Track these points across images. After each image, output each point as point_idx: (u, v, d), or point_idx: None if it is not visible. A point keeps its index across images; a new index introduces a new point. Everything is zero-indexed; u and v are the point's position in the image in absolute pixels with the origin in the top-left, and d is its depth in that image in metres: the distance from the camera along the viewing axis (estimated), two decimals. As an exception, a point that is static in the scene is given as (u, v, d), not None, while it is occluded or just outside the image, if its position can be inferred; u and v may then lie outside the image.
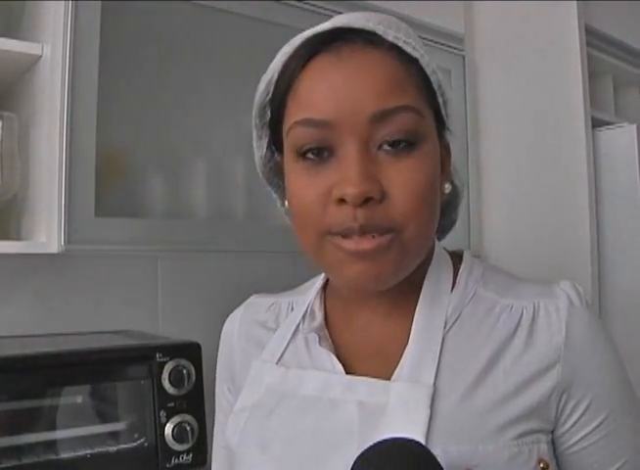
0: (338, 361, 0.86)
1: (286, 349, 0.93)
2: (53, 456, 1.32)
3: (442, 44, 2.07)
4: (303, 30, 0.85)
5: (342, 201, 0.77)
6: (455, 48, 2.14)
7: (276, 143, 0.90)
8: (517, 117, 2.17)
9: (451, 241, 1.02)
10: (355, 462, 0.70)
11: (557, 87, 2.05)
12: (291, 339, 0.94)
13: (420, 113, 0.80)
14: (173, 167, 1.59)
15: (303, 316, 0.95)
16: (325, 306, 0.96)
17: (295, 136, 0.81)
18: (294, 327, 0.95)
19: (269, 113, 0.88)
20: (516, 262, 1.03)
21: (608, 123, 2.10)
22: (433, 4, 2.01)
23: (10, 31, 1.55)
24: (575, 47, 1.99)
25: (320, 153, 0.80)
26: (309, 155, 0.80)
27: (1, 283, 1.63)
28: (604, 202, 2.01)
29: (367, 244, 0.77)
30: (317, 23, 0.84)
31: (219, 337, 1.06)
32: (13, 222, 1.53)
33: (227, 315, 1.07)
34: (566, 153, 2.02)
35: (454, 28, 2.13)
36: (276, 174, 0.95)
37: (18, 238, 1.51)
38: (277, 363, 0.92)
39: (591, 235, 1.96)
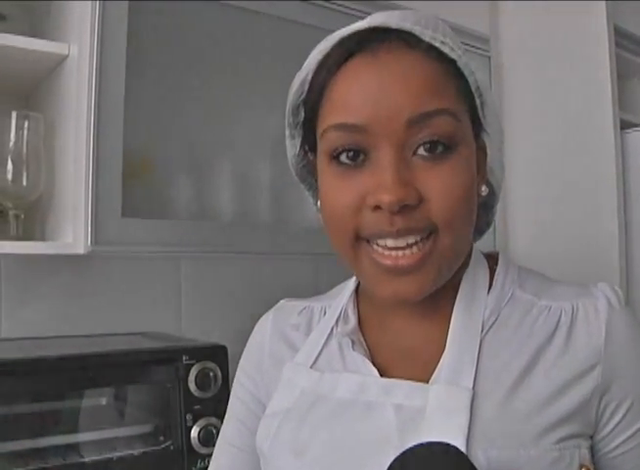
0: (372, 366, 0.85)
1: (320, 353, 0.91)
2: (78, 459, 1.32)
3: (467, 45, 2.04)
4: (331, 31, 0.83)
5: (377, 208, 0.76)
6: (480, 49, 2.12)
7: (309, 142, 0.88)
8: (543, 119, 2.15)
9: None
10: (391, 465, 0.68)
11: (585, 88, 2.02)
12: (325, 343, 0.92)
13: (457, 116, 0.78)
14: (199, 169, 1.58)
15: (337, 320, 0.93)
16: (358, 310, 0.94)
17: (329, 140, 0.80)
18: (327, 331, 0.93)
19: (303, 112, 0.87)
20: (541, 264, 1.01)
21: (636, 125, 2.07)
22: (457, 4, 1.99)
23: (35, 31, 1.55)
24: (604, 48, 1.97)
25: (355, 157, 0.78)
26: (343, 159, 0.79)
27: (24, 284, 1.63)
28: (632, 204, 1.99)
29: (406, 260, 0.76)
30: (345, 25, 0.82)
31: (242, 339, 1.05)
32: (37, 223, 1.53)
33: (250, 318, 1.06)
34: (593, 155, 1.99)
35: (479, 29, 2.11)
36: (309, 173, 0.93)
37: (42, 239, 1.50)
38: (311, 368, 0.90)
39: (619, 237, 1.94)
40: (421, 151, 0.76)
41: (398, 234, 0.75)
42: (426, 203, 0.75)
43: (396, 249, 0.76)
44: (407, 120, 0.75)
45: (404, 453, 0.69)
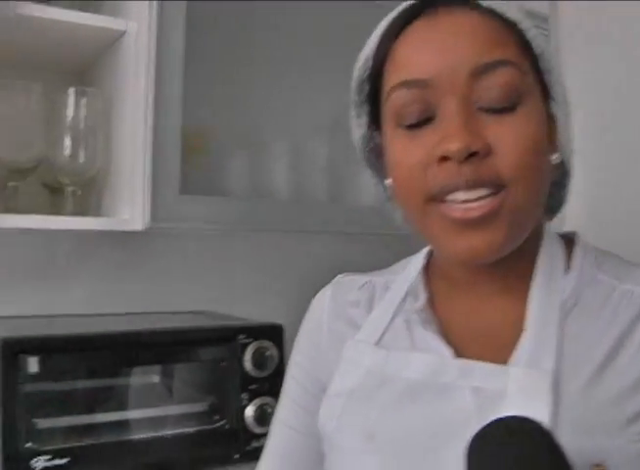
0: (446, 345, 0.82)
1: (385, 330, 0.89)
2: (132, 435, 1.32)
3: (526, 23, 2.00)
4: (387, 9, 0.83)
5: (444, 159, 0.74)
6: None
7: (376, 120, 0.86)
8: (602, 101, 2.09)
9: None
10: (472, 440, 0.64)
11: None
12: (390, 320, 0.89)
13: (521, 68, 0.76)
14: (256, 147, 1.57)
15: (404, 297, 0.91)
16: (428, 287, 0.91)
17: (394, 100, 0.79)
18: (393, 308, 0.90)
19: (368, 87, 0.86)
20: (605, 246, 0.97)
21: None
22: (516, -18, 1.95)
23: (92, 7, 1.54)
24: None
25: (420, 116, 0.77)
26: (409, 119, 0.78)
27: (80, 260, 1.64)
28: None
29: (475, 211, 0.73)
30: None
31: (296, 319, 1.03)
32: (94, 199, 1.53)
33: (303, 297, 1.04)
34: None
35: (538, 8, 2.06)
36: (376, 156, 0.91)
37: (98, 215, 1.50)
38: (376, 345, 0.88)
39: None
40: (486, 103, 0.75)
41: (467, 185, 0.73)
42: (494, 156, 0.73)
43: (466, 202, 0.74)
44: (471, 71, 0.74)
45: (484, 428, 0.64)
